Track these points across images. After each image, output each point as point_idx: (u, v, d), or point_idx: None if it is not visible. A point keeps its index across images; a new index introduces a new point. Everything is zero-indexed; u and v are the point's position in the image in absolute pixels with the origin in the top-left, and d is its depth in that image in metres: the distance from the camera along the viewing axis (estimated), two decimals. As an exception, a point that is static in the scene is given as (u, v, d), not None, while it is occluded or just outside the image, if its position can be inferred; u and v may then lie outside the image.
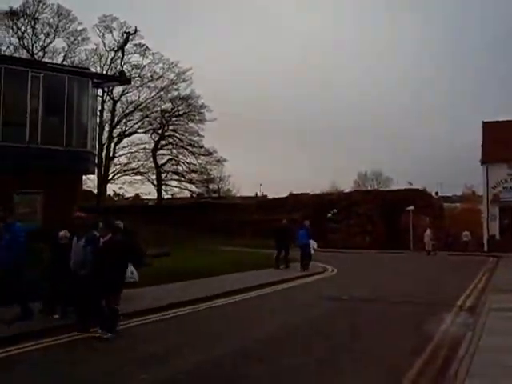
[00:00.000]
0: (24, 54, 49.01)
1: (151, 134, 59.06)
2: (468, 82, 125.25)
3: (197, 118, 58.96)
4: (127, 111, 56.56)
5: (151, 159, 59.28)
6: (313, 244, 26.09)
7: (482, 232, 45.53)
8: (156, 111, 58.16)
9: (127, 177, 58.36)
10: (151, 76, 56.45)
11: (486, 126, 46.77)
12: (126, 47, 54.33)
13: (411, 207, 45.74)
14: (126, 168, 57.92)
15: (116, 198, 69.85)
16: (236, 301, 15.85)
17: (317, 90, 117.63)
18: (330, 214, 50.77)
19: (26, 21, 51.20)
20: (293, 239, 25.85)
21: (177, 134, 60.01)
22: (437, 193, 65.32)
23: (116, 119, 55.89)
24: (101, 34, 54.38)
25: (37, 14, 51.62)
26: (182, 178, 60.90)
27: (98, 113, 47.84)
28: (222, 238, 45.94)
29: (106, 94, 53.07)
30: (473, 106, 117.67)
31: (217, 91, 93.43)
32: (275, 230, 26.98)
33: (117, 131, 56.38)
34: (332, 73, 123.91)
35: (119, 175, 57.46)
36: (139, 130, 57.98)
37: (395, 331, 11.61)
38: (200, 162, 60.24)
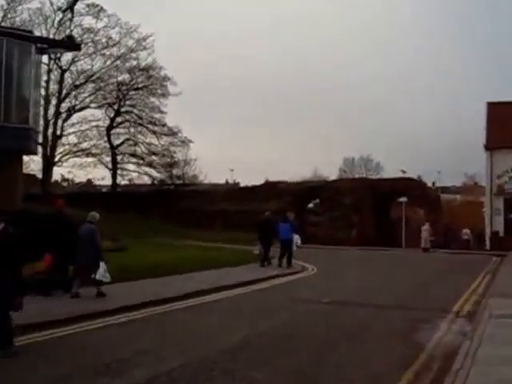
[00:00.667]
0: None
1: (105, 109, 58.52)
2: (472, 58, 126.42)
3: (159, 91, 58.62)
4: (77, 82, 55.80)
5: (105, 139, 58.75)
6: (296, 239, 26.25)
7: (484, 228, 45.92)
8: (111, 83, 57.58)
9: (77, 159, 57.83)
10: (106, 42, 55.76)
11: (491, 107, 47.05)
12: (77, 7, 53.57)
13: (404, 198, 46.03)
14: (75, 149, 57.35)
15: (64, 184, 69.31)
16: (200, 303, 15.79)
17: (296, 64, 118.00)
18: (310, 205, 50.88)
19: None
20: (275, 233, 26.02)
21: (135, 110, 59.55)
22: (434, 183, 66.01)
23: (64, 92, 55.12)
24: (47, -10, 53.54)
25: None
26: (141, 161, 60.54)
27: (44, 84, 47.35)
28: (187, 231, 45.74)
29: (52, 61, 52.31)
30: (477, 85, 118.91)
31: (179, 62, 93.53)
32: (258, 223, 27.09)
33: (65, 106, 55.68)
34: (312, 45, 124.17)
35: (68, 157, 56.89)
36: (91, 105, 57.39)
37: (381, 340, 11.62)
38: (162, 142, 59.98)
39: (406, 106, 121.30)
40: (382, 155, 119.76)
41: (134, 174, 62.15)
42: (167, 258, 24.84)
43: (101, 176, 64.54)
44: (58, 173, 62.10)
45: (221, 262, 25.35)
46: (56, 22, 53.60)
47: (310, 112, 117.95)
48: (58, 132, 55.03)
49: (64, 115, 55.53)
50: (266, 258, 25.94)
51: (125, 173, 61.81)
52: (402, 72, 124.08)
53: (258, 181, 59.11)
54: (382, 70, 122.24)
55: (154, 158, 60.31)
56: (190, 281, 19.56)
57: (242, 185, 65.16)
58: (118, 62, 56.73)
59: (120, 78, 57.65)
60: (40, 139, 39.40)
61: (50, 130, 53.68)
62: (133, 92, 58.77)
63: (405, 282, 22.56)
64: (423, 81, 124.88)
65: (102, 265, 15.48)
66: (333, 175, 66.25)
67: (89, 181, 67.10)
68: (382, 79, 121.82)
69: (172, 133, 59.50)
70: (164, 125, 59.42)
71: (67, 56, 52.00)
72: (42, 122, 44.79)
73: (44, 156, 51.75)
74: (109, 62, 56.50)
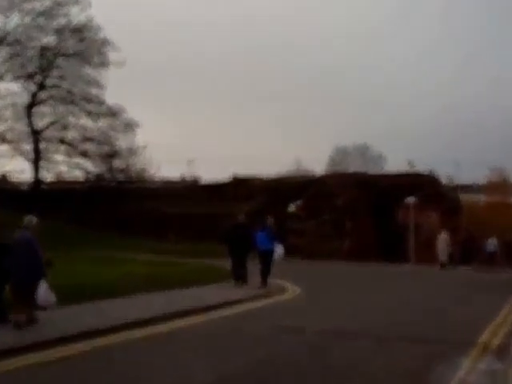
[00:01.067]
0: None
1: (25, 81, 58.07)
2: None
3: (96, 59, 58.25)
4: (-13, 46, 55.40)
5: (25, 121, 58.31)
6: (278, 249, 26.30)
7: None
8: (32, 47, 57.16)
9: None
10: (26, -7, 55.33)
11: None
12: None
13: (412, 199, 46.08)
14: (-15, 133, 56.93)
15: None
16: (146, 336, 15.50)
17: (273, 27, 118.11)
18: (291, 207, 50.80)
19: None
20: (253, 244, 26.08)
21: (65, 84, 59.24)
22: (451, 179, 66.11)
23: (-31, 58, 54.74)
24: None
25: None
26: (73, 150, 60.18)
27: None
28: (133, 241, 45.60)
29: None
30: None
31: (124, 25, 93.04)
32: (229, 229, 26.99)
33: (-30, 76, 55.26)
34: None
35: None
36: (5, 76, 56.92)
37: (384, 382, 11.48)
38: (100, 126, 59.65)
39: (413, 81, 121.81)
40: (384, 143, 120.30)
41: (64, 166, 61.84)
42: (106, 277, 24.68)
43: (19, 169, 64.08)
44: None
45: (177, 281, 25.24)
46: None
47: (290, 91, 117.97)
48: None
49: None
50: (239, 276, 25.79)
51: (51, 166, 61.46)
52: (408, 38, 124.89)
53: (224, 176, 59.00)
54: (382, 40, 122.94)
55: (89, 145, 60.02)
56: (135, 306, 19.33)
57: (203, 181, 65.01)
58: (42, 19, 56.18)
59: (44, 41, 57.26)
60: None
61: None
62: (61, 59, 58.34)
63: (415, 307, 22.53)
64: (433, 47, 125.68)
65: (42, 283, 15.14)
66: (320, 169, 66.26)
67: (3, 175, 66.41)
68: (382, 51, 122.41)
69: (113, 113, 59.29)
70: (102, 103, 59.14)
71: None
72: None
73: None
74: (28, 20, 56.00)
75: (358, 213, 48.63)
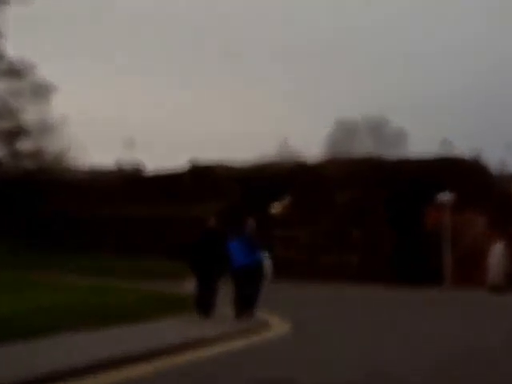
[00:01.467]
0: None
1: None
2: None
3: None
4: None
5: None
6: (267, 263, 26.38)
7: None
8: None
9: None
10: None
11: None
12: None
13: (447, 195, 46.01)
14: None
15: None
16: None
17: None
18: (275, 207, 50.79)
19: None
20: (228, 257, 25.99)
21: None
22: (504, 166, 66.10)
23: None
24: None
25: None
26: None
27: None
28: (51, 255, 45.53)
29: None
30: None
31: None
32: (198, 237, 26.83)
33: None
34: None
35: None
36: None
37: None
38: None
39: (444, 35, 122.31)
40: (407, 115, 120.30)
41: None
42: (16, 308, 24.36)
43: None
44: None
45: (117, 314, 24.90)
46: None
47: (271, 43, 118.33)
48: None
49: None
50: (206, 304, 25.53)
51: None
52: None
53: (179, 164, 59.02)
54: None
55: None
56: (58, 350, 18.91)
57: (149, 171, 64.89)
58: None
59: None
60: None
61: None
62: None
63: (451, 351, 22.17)
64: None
65: None
66: (316, 152, 65.98)
67: None
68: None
69: (17, 72, 59.04)
70: (1, 57, 58.92)
71: None
72: None
73: None
74: None
75: (370, 214, 48.69)
